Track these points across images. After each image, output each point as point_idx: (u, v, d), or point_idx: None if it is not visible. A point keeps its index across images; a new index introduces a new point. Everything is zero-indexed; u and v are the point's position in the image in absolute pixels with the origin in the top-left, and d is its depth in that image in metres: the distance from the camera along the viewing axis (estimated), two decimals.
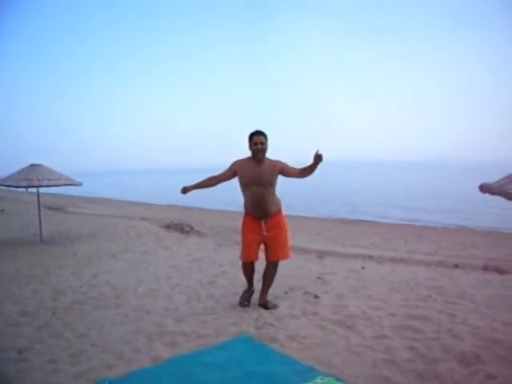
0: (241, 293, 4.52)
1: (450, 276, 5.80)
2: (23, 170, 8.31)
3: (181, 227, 10.80)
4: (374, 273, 5.94)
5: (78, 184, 8.97)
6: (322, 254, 7.54)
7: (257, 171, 4.10)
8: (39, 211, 9.01)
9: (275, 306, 4.32)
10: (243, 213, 4.39)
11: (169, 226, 11.13)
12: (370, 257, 7.38)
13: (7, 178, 8.26)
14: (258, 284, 4.55)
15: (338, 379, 2.78)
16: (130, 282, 5.43)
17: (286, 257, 4.38)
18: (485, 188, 2.17)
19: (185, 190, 4.32)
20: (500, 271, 6.22)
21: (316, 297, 4.62)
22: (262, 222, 4.21)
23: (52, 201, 19.58)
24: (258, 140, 4.07)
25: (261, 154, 4.10)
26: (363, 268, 6.26)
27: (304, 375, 2.83)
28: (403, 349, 3.27)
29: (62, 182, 8.45)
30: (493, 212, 16.90)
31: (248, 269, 4.40)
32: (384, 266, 6.65)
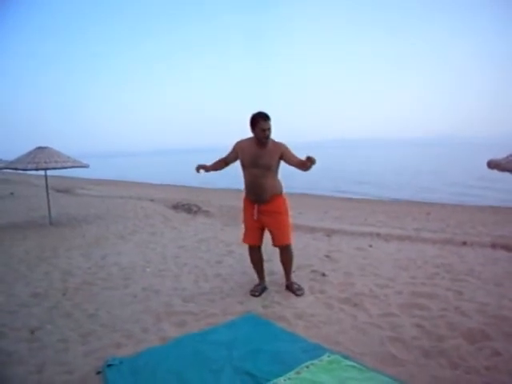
0: (252, 284, 4.33)
1: (457, 254, 5.78)
2: (30, 152, 8.34)
3: (188, 207, 10.83)
4: (381, 251, 5.94)
5: (85, 166, 8.99)
6: (329, 233, 7.54)
7: (256, 153, 3.89)
8: (47, 193, 9.08)
9: (300, 289, 4.18)
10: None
11: (176, 207, 11.18)
12: (378, 235, 7.36)
13: (15, 161, 8.29)
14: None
15: (344, 357, 2.80)
16: (139, 263, 5.48)
17: (285, 241, 4.13)
18: (493, 164, 2.14)
19: (199, 168, 4.15)
20: (508, 249, 6.18)
21: (323, 275, 4.64)
22: (256, 207, 4.04)
23: (60, 183, 19.74)
24: (265, 126, 3.79)
25: (267, 140, 3.86)
26: (370, 246, 6.26)
27: (311, 353, 2.86)
28: (410, 326, 3.28)
29: (69, 164, 8.48)
30: (502, 189, 16.78)
31: (255, 254, 4.25)
32: (391, 243, 6.63)
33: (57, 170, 8.85)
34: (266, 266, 4.81)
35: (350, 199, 15.82)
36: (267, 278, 4.55)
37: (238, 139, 4.12)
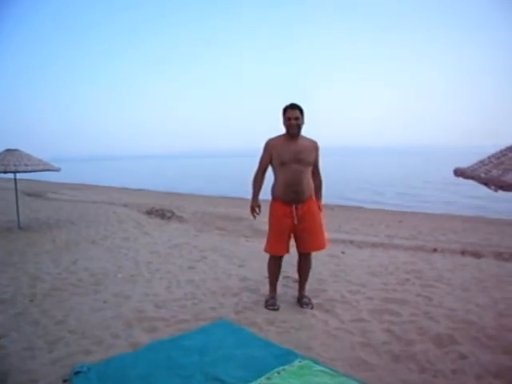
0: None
1: (428, 260, 5.89)
2: None
3: (162, 213, 10.73)
4: (353, 257, 6.01)
5: (57, 169, 8.80)
6: None
7: (294, 148, 3.68)
8: (16, 197, 8.86)
9: (309, 304, 3.96)
10: (270, 199, 3.93)
11: (150, 212, 11.05)
12: (351, 242, 7.45)
13: None
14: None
15: (315, 362, 2.81)
16: (110, 268, 5.38)
17: (321, 246, 3.98)
18: (458, 172, 2.23)
19: (254, 208, 3.91)
20: (477, 255, 6.35)
21: (296, 281, 4.64)
22: (294, 209, 3.76)
23: (31, 187, 19.30)
24: (291, 115, 3.64)
25: (295, 129, 3.67)
26: (343, 253, 6.32)
27: (282, 358, 2.86)
28: (380, 332, 3.33)
29: (40, 167, 8.28)
30: (472, 198, 17.21)
31: (276, 266, 3.98)
32: (364, 250, 6.72)
33: (28, 174, 8.64)
34: (238, 271, 4.82)
35: (325, 206, 15.94)
36: (240, 284, 4.55)
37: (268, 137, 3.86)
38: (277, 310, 3.85)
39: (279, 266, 4.03)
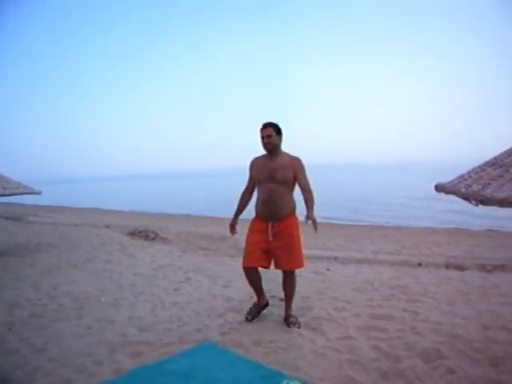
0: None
1: (413, 275, 5.92)
2: None
3: (145, 234, 10.60)
4: (338, 274, 6.00)
5: (37, 193, 8.66)
6: None
7: (269, 166, 3.74)
8: None
9: (296, 323, 3.89)
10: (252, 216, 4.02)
11: (133, 233, 10.91)
12: (336, 258, 7.46)
13: None
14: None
15: (304, 382, 2.77)
16: (93, 292, 5.26)
17: (297, 266, 3.92)
18: (439, 187, 2.25)
19: (232, 226, 4.10)
20: (461, 268, 6.40)
21: (281, 300, 4.60)
22: (270, 226, 3.80)
23: (10, 210, 18.94)
24: (263, 133, 3.73)
25: (268, 147, 3.75)
26: (328, 270, 6.31)
27: (270, 380, 2.81)
28: (368, 348, 3.30)
29: (20, 190, 8.13)
30: (454, 211, 17.43)
31: (251, 276, 3.95)
32: (349, 266, 6.72)
33: (7, 197, 8.47)
34: (223, 291, 4.77)
35: (308, 223, 15.92)
36: (225, 304, 4.49)
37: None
38: (248, 320, 3.98)
39: (255, 277, 3.97)
